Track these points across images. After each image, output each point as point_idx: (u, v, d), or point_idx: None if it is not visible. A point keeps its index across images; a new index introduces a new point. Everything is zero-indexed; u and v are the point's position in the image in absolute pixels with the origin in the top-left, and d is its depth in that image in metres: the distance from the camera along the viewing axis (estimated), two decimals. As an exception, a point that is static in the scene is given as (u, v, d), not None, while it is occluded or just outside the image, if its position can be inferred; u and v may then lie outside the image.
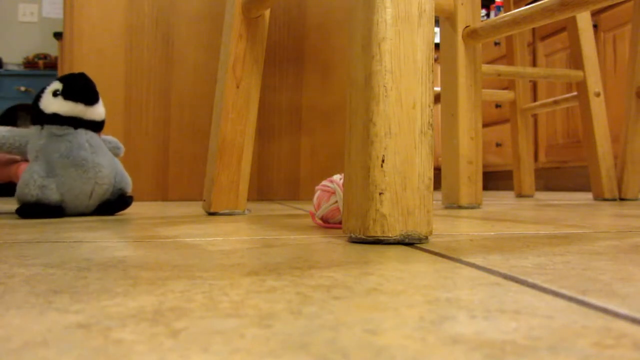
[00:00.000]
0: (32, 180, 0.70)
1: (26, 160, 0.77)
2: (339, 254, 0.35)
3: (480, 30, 0.95)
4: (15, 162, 0.79)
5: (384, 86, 0.40)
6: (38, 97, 0.76)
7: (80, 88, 0.74)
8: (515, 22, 0.89)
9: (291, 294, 0.22)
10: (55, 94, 0.75)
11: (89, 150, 0.74)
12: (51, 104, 0.74)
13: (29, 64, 3.70)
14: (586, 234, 0.47)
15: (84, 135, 0.75)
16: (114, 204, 0.78)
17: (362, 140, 0.40)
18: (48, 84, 0.78)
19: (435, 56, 2.23)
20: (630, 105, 1.31)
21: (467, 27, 0.98)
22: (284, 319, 0.19)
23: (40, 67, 3.64)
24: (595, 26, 2.27)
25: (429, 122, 0.41)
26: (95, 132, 0.78)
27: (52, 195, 0.71)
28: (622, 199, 1.30)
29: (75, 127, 0.75)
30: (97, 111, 0.77)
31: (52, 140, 0.73)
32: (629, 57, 1.33)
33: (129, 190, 0.80)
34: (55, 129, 0.74)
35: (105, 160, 0.76)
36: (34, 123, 0.76)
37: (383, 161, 0.39)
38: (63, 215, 0.72)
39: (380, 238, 0.39)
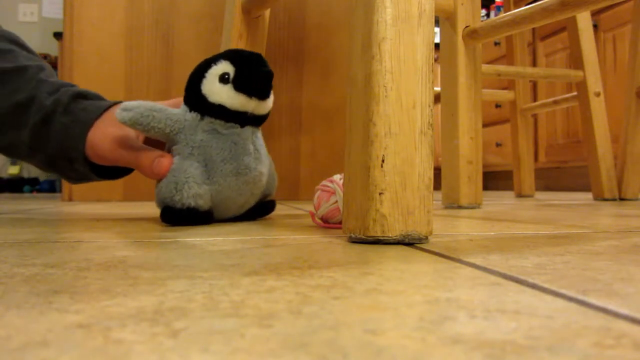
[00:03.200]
0: (187, 185, 0.57)
1: (166, 150, 0.61)
2: (339, 254, 0.35)
3: (480, 30, 0.95)
4: (145, 147, 0.61)
5: (384, 86, 0.40)
6: (200, 75, 0.59)
7: (259, 79, 0.58)
8: (515, 22, 0.89)
9: (291, 294, 0.22)
10: (224, 78, 0.58)
11: (253, 155, 0.60)
12: (217, 91, 0.58)
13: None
14: (586, 234, 0.47)
15: (251, 135, 0.61)
16: (255, 210, 0.66)
17: (362, 140, 0.40)
18: (212, 58, 0.60)
19: (435, 56, 2.23)
20: (630, 105, 1.31)
21: (467, 27, 0.98)
22: (284, 318, 0.19)
23: (40, 67, 3.64)
24: (595, 26, 2.27)
25: (429, 122, 0.41)
26: (259, 126, 0.63)
27: (205, 205, 0.58)
28: (622, 199, 1.30)
29: (242, 125, 0.59)
30: (268, 104, 0.62)
31: (214, 137, 0.58)
32: (629, 57, 1.33)
33: (274, 193, 0.69)
34: (219, 124, 0.58)
35: (265, 167, 0.63)
36: (190, 107, 0.59)
37: (383, 161, 0.39)
38: (212, 221, 0.61)
39: (380, 238, 0.39)
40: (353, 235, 0.41)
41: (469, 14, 0.98)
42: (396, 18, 0.40)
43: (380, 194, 0.39)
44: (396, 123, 0.40)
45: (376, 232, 0.39)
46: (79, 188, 1.34)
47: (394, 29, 0.40)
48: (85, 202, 1.27)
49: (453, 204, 0.96)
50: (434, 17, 0.43)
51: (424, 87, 0.41)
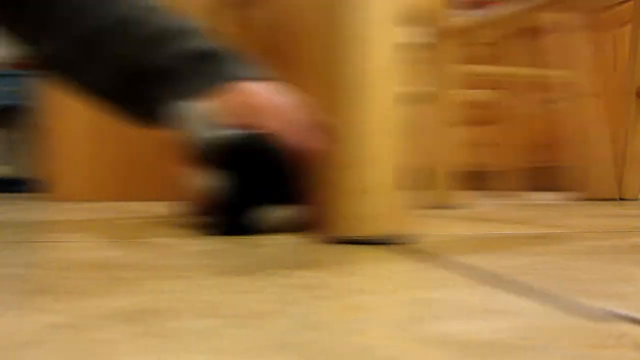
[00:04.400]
0: None
1: None
2: (320, 254, 0.35)
3: (462, 30, 0.95)
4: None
5: (361, 86, 0.39)
6: None
7: None
8: (498, 20, 0.89)
9: (272, 294, 0.22)
10: None
11: None
12: None
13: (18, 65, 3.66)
14: (585, 234, 0.47)
15: None
16: None
17: (340, 139, 0.40)
18: None
19: (416, 56, 2.24)
20: (630, 105, 1.31)
21: (447, 26, 0.97)
22: (265, 319, 0.18)
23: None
24: (595, 26, 2.26)
25: (407, 121, 0.40)
26: None
27: None
28: (622, 199, 1.30)
29: None
30: None
31: None
32: (629, 57, 1.33)
33: None
34: None
35: None
36: None
37: (362, 161, 0.39)
38: None
39: (361, 238, 0.38)
40: (334, 236, 0.40)
41: (448, 14, 0.98)
42: (373, 17, 0.40)
43: (360, 193, 0.38)
44: (373, 122, 0.39)
45: (357, 232, 0.38)
46: (67, 187, 1.32)
47: (370, 28, 0.40)
48: (73, 202, 1.26)
49: (441, 205, 0.95)
50: (411, 17, 0.42)
51: (401, 86, 0.40)
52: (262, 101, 0.48)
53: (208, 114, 0.47)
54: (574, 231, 0.49)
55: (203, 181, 0.49)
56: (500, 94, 1.69)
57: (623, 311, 0.19)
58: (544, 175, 2.71)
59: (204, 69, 0.49)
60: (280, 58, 1.42)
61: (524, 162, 1.70)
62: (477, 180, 3.26)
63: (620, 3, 1.96)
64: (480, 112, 3.15)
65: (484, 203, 1.18)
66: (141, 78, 0.51)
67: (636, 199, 1.30)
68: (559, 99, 1.51)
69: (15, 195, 2.66)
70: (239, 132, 0.46)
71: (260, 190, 0.48)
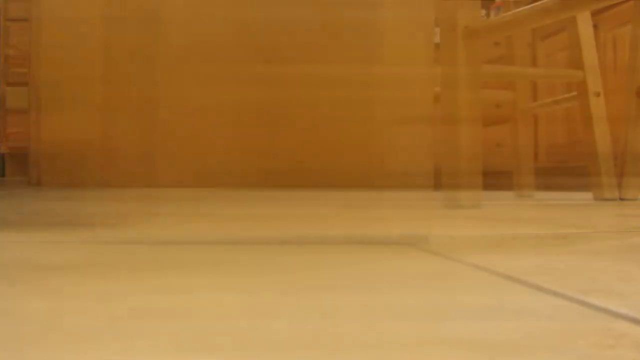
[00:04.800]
0: None
1: None
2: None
3: (481, 30, 0.95)
4: None
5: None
6: None
7: None
8: (516, 21, 0.89)
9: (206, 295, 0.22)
10: None
11: None
12: None
13: None
14: (586, 234, 0.47)
15: None
16: None
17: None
18: None
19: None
20: (630, 105, 1.30)
21: (466, 27, 0.98)
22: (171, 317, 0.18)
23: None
24: (595, 26, 2.26)
25: None
26: None
27: None
28: (622, 199, 1.30)
29: None
30: None
31: None
32: (629, 57, 1.33)
33: None
34: None
35: None
36: None
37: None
38: None
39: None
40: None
41: (469, 14, 0.98)
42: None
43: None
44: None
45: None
46: (48, 172, 1.21)
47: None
48: (56, 189, 1.15)
49: (453, 204, 0.95)
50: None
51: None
52: None
53: None
54: (573, 231, 0.50)
55: None
56: (512, 94, 1.68)
57: (623, 311, 0.19)
58: (548, 175, 2.70)
59: None
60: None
61: (532, 162, 1.70)
62: (490, 179, 3.25)
63: (620, 3, 1.96)
64: (494, 112, 3.14)
65: (490, 203, 1.18)
66: None
67: (636, 199, 1.30)
68: (570, 98, 1.50)
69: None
70: None
71: None
